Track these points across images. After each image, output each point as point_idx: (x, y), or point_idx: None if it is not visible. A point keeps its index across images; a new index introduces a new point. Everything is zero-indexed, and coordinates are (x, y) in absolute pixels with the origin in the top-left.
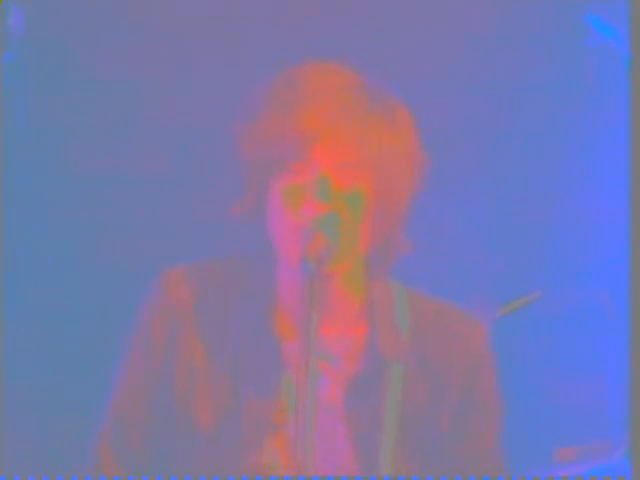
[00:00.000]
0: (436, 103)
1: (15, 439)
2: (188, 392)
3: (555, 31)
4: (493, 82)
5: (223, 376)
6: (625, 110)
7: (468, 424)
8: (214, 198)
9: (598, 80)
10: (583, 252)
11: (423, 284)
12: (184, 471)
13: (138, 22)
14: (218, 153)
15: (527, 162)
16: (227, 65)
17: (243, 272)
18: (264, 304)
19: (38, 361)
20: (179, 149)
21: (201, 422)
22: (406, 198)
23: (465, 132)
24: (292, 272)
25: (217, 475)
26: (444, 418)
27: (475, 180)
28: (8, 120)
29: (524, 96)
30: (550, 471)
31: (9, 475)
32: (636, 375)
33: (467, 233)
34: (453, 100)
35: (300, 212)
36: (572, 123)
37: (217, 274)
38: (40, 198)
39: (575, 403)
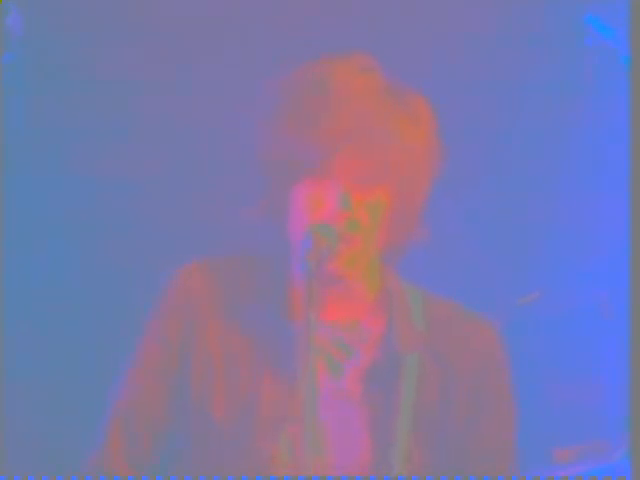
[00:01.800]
0: (436, 103)
1: (15, 439)
2: (203, 388)
3: (555, 31)
4: (493, 82)
5: (238, 371)
6: (625, 110)
7: (481, 424)
8: (214, 198)
9: (598, 80)
10: (583, 252)
11: (422, 284)
12: (197, 466)
13: (138, 22)
14: (218, 153)
15: (527, 162)
16: (227, 65)
17: (258, 268)
18: (279, 300)
19: (38, 361)
20: (179, 149)
21: (216, 417)
22: (424, 196)
23: (465, 132)
24: None
25: (217, 475)
26: (457, 417)
27: (474, 180)
28: (8, 120)
29: (524, 96)
30: (550, 471)
31: (9, 475)
32: (636, 375)
33: (466, 233)
34: (453, 100)
35: (322, 220)
36: (572, 123)
37: (232, 270)
38: (40, 198)
39: (575, 403)
